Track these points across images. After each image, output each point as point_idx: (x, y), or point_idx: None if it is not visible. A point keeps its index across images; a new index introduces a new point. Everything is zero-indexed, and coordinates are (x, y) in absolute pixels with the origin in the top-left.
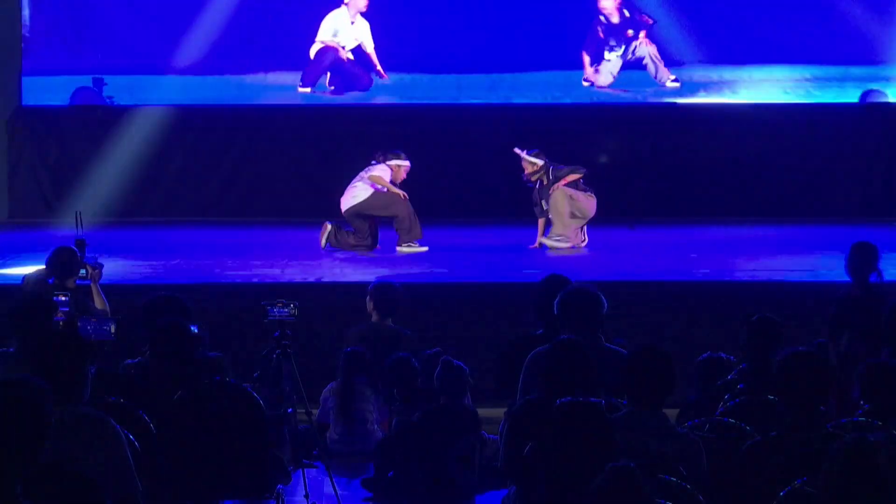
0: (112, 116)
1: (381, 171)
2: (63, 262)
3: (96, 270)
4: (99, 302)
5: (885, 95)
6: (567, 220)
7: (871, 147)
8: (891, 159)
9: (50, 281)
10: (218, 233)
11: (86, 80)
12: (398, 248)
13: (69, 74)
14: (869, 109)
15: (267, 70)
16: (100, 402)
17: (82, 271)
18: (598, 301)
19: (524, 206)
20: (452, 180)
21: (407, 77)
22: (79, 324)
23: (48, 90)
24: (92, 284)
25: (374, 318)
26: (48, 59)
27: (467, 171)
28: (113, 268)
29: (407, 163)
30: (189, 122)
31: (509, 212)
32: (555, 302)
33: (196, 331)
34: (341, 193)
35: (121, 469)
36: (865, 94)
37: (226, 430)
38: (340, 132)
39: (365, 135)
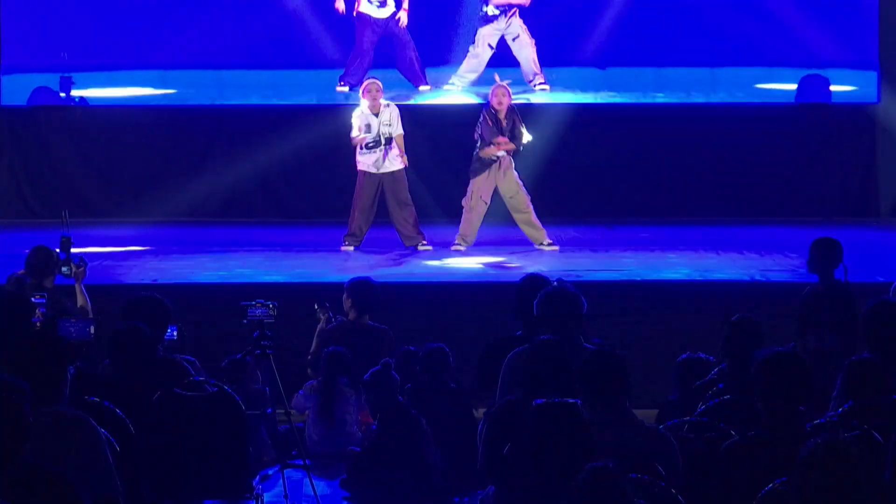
0: (91, 116)
1: (352, 119)
2: (40, 262)
3: (80, 269)
4: (81, 300)
5: (827, 80)
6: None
7: (850, 146)
8: (869, 159)
9: (27, 280)
10: (197, 233)
11: (56, 79)
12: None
13: (46, 72)
14: (848, 109)
15: (249, 67)
16: (78, 402)
17: (65, 269)
18: (577, 301)
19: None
20: (434, 178)
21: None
22: (59, 324)
23: (27, 89)
24: (76, 283)
25: (352, 315)
26: (26, 56)
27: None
28: (93, 268)
29: (366, 81)
30: (168, 121)
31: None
32: (534, 302)
33: (175, 331)
34: (325, 193)
35: (100, 469)
36: (804, 80)
37: (205, 430)
38: (326, 131)
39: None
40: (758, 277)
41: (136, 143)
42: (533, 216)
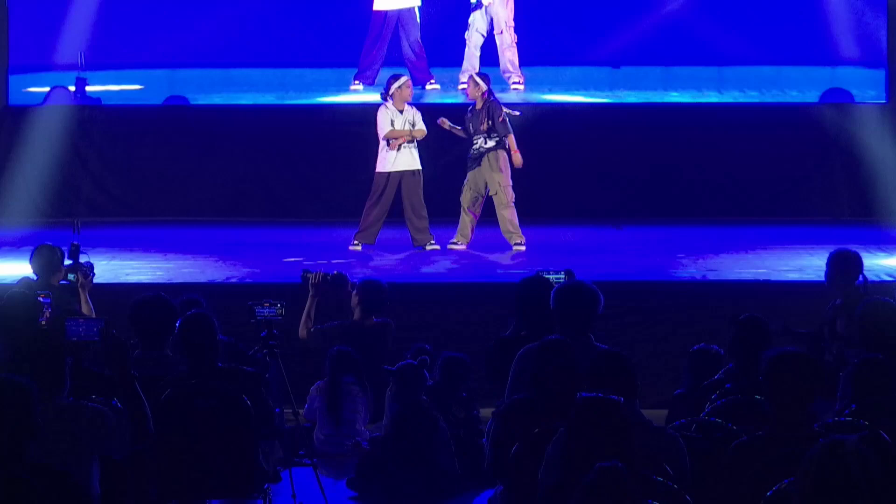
0: (99, 115)
1: (380, 117)
2: (45, 261)
3: (87, 278)
4: (86, 309)
5: (850, 95)
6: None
7: (855, 146)
8: (875, 158)
9: (35, 279)
10: (204, 232)
11: (69, 77)
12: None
13: (54, 72)
14: (852, 109)
15: (258, 66)
16: (85, 401)
17: (71, 276)
18: (595, 298)
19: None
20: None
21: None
22: (66, 325)
23: (35, 89)
24: (81, 292)
25: (357, 314)
26: (34, 56)
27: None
28: (100, 268)
29: (402, 79)
30: (176, 121)
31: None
32: (551, 293)
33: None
34: (333, 193)
35: (116, 436)
36: (826, 94)
37: (213, 430)
38: (332, 131)
39: (362, 134)
40: (766, 277)
41: (143, 142)
42: (514, 216)
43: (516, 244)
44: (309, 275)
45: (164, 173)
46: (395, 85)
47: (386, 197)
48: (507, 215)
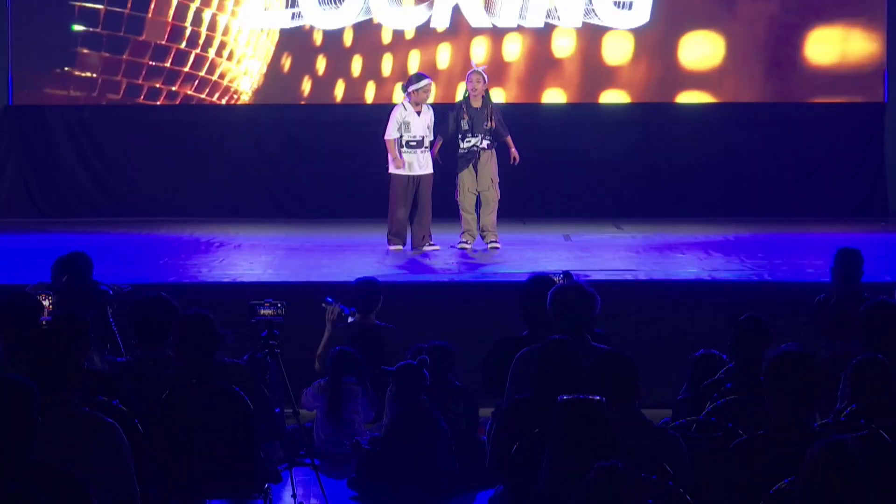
0: (100, 115)
1: (393, 117)
2: (60, 272)
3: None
4: None
5: (850, 95)
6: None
7: (857, 148)
8: (877, 160)
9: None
10: (204, 233)
11: (69, 77)
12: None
13: (55, 70)
14: (855, 109)
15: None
16: (88, 401)
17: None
18: (591, 300)
19: (514, 204)
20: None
21: None
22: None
23: (36, 88)
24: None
25: (357, 315)
26: (35, 56)
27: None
28: (102, 268)
29: (424, 82)
30: (175, 121)
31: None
32: (548, 294)
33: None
34: (336, 193)
35: (119, 472)
36: (826, 94)
37: (214, 429)
38: (332, 131)
39: (358, 134)
40: (766, 277)
41: (143, 142)
42: (494, 216)
43: (491, 242)
44: (327, 307)
45: (164, 173)
46: (414, 87)
47: (406, 196)
48: (492, 214)
